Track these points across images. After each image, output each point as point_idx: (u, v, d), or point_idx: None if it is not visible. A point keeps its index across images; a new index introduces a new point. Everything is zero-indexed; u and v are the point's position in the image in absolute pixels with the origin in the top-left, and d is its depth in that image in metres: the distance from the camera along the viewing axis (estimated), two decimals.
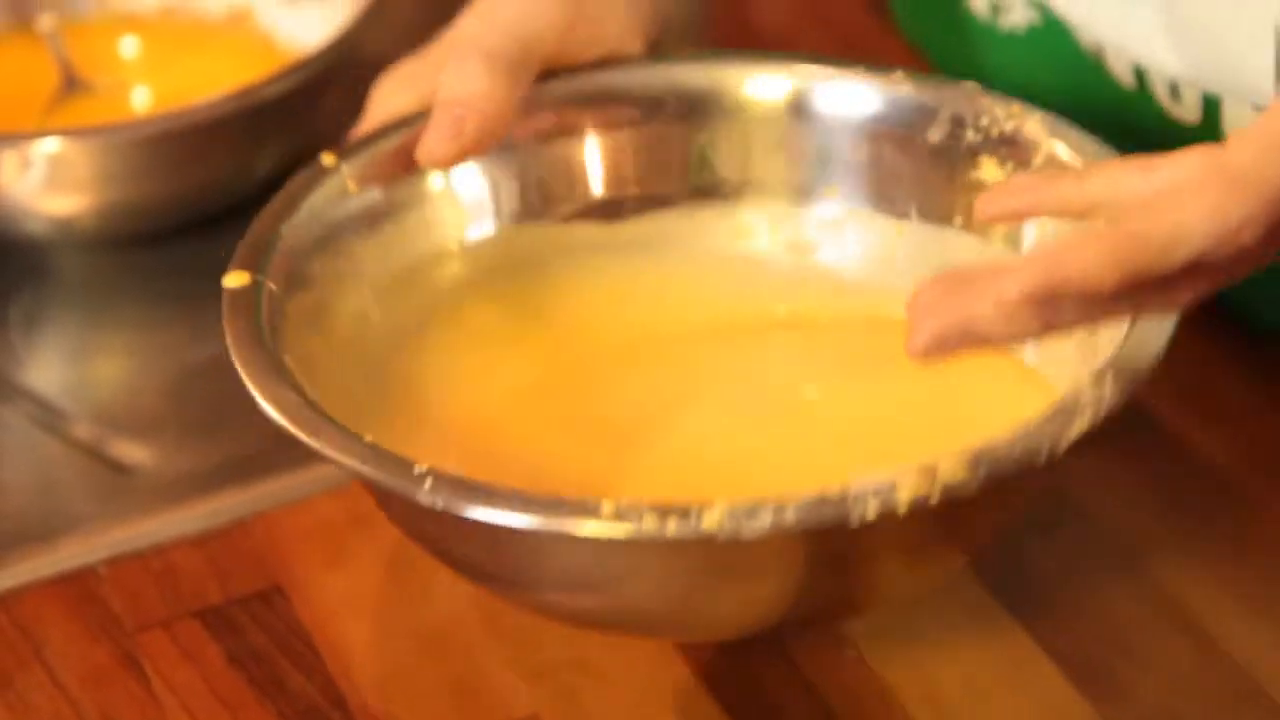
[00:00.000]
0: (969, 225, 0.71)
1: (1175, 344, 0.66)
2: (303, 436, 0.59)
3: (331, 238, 0.69)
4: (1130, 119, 0.79)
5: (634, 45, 0.74)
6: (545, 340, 0.72)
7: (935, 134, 0.72)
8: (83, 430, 0.80)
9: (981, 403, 0.68)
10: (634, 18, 0.73)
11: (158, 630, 0.69)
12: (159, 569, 0.71)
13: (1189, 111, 0.77)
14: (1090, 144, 0.70)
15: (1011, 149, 0.71)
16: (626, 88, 0.74)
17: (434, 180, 0.72)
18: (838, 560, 0.59)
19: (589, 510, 0.54)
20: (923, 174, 0.73)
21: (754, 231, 0.75)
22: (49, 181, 0.83)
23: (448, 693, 0.66)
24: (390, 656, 0.68)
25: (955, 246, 0.72)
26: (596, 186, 0.75)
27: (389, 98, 0.72)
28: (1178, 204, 0.55)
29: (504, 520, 0.55)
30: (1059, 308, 0.54)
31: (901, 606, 0.67)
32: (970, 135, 0.71)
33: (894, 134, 0.73)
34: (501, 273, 0.74)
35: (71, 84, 0.93)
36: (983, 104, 0.71)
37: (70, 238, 0.87)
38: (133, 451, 0.79)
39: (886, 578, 0.62)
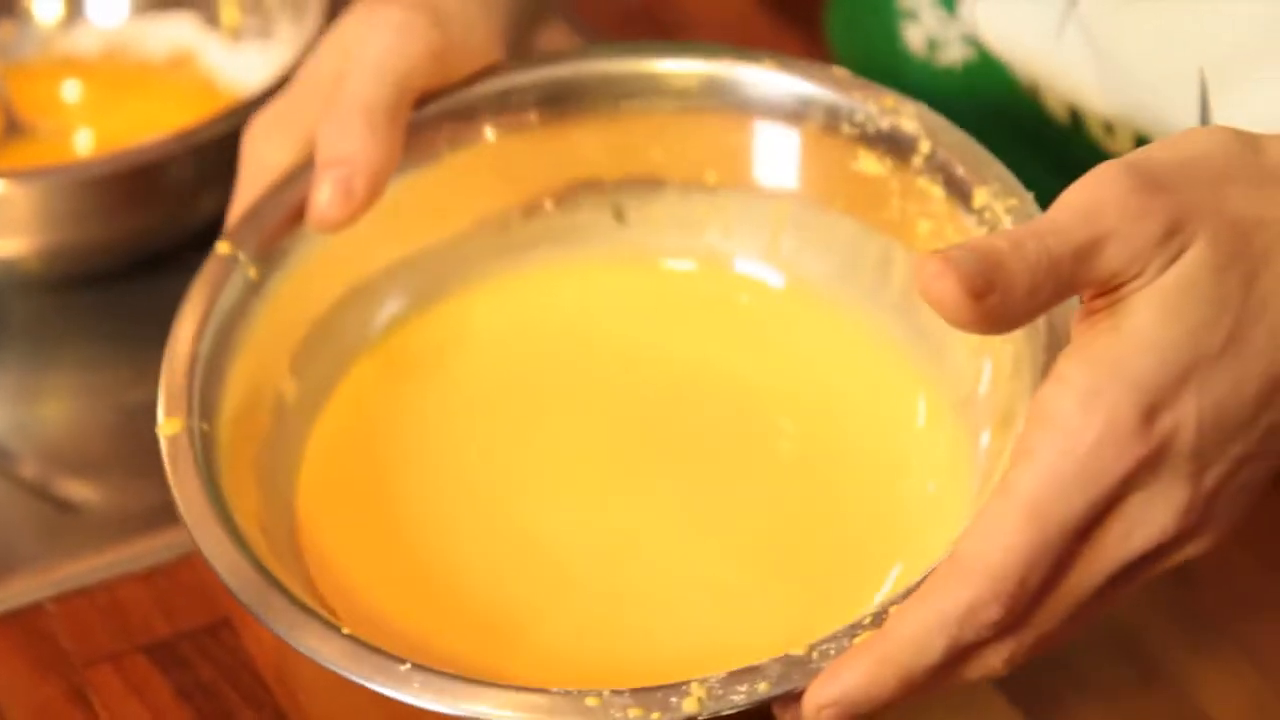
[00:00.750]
0: (847, 210, 0.72)
1: None
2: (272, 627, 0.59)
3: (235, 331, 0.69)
4: (1067, 152, 0.80)
5: (498, 54, 0.73)
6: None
7: (813, 123, 0.72)
8: (28, 469, 0.80)
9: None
10: (493, 28, 0.73)
11: (106, 665, 0.69)
12: (106, 604, 0.71)
13: (1124, 146, 0.77)
14: (952, 135, 0.70)
15: (889, 141, 0.70)
16: (511, 93, 0.74)
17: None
18: None
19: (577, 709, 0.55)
20: (804, 160, 0.73)
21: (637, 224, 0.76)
22: None
23: None
24: (339, 690, 0.67)
25: (830, 233, 0.73)
26: (506, 199, 0.75)
27: (262, 149, 0.71)
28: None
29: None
30: None
31: None
32: (846, 129, 0.71)
33: (777, 119, 0.73)
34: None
35: (13, 127, 0.93)
36: (862, 94, 0.71)
37: (13, 279, 0.87)
38: (78, 490, 0.79)
39: None
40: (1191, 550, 0.57)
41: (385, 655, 0.57)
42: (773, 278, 0.74)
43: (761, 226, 0.74)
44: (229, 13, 0.97)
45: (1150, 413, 0.53)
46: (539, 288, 0.75)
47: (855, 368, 0.72)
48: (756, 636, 0.62)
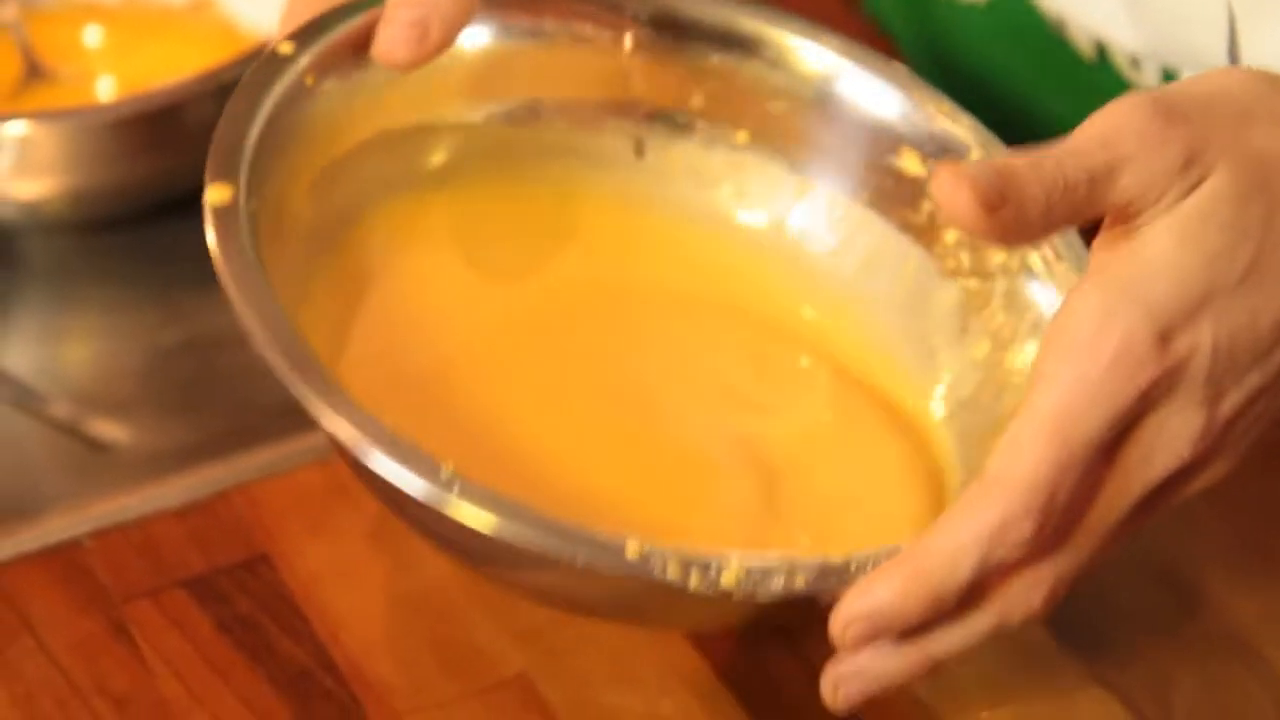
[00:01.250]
0: (871, 203, 0.72)
1: None
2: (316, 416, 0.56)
3: (286, 135, 0.66)
4: (1093, 88, 0.79)
5: None
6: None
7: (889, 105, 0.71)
8: (59, 409, 0.80)
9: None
10: None
11: (145, 600, 0.69)
12: (142, 541, 0.71)
13: (1150, 81, 0.78)
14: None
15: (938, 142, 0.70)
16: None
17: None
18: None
19: (615, 550, 0.54)
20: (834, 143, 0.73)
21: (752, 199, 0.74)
22: (16, 166, 0.83)
23: (436, 654, 0.67)
24: (378, 620, 0.68)
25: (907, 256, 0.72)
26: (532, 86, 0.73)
27: None
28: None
29: (532, 546, 0.54)
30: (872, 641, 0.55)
31: None
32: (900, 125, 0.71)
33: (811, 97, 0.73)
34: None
35: (35, 72, 0.93)
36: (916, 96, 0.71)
37: (37, 222, 0.87)
38: (109, 429, 0.79)
39: None
40: (1209, 477, 0.58)
41: (427, 457, 0.55)
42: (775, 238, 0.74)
43: (782, 192, 0.74)
44: None
45: (1165, 335, 0.53)
46: (549, 196, 0.74)
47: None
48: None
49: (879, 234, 0.72)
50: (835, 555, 0.56)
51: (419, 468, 0.54)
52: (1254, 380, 0.56)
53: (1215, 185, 0.54)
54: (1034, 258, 0.66)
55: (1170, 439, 0.55)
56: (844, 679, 0.57)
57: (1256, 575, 0.69)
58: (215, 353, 0.82)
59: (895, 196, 0.71)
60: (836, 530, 0.64)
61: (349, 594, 0.69)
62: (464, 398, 0.66)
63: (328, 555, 0.71)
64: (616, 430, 0.67)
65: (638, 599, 0.59)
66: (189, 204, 0.86)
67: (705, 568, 0.54)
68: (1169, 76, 0.76)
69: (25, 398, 0.80)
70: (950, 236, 0.69)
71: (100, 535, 0.72)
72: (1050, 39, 0.81)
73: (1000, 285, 0.68)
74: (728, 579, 0.55)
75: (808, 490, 0.66)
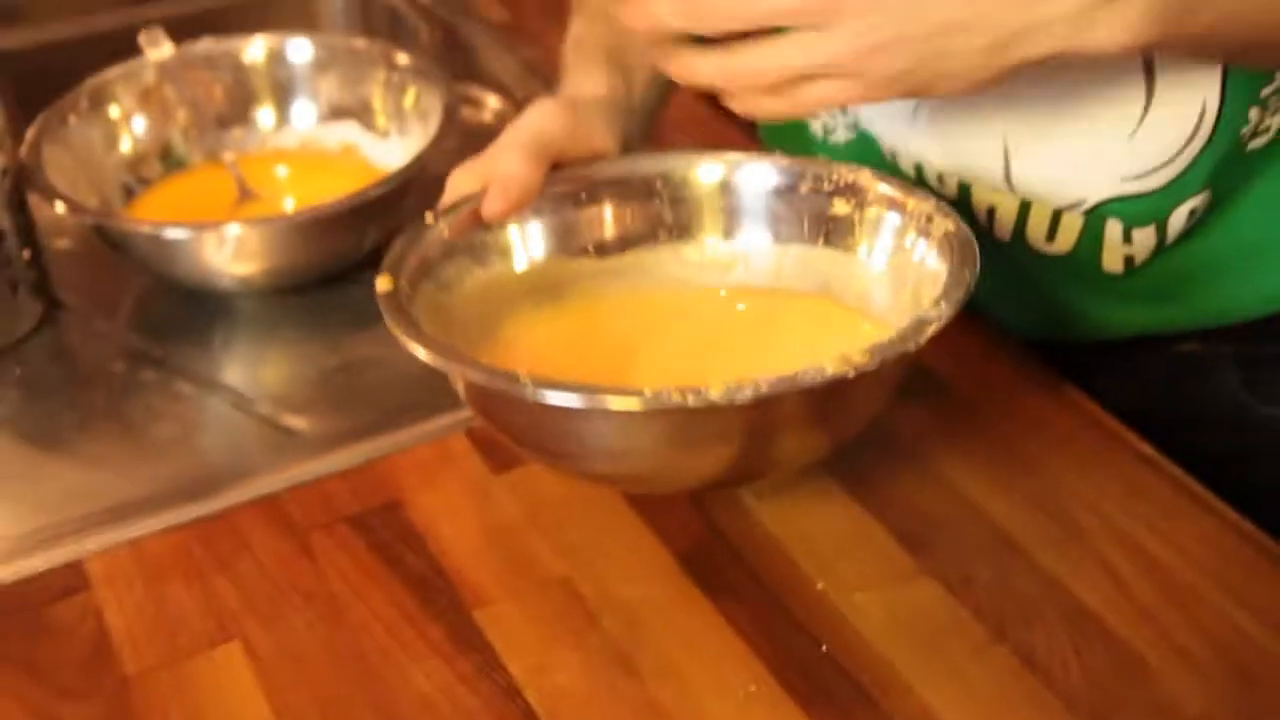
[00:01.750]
0: (826, 244, 0.70)
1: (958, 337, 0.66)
2: (442, 363, 0.59)
3: (435, 265, 0.68)
4: None
5: (610, 148, 0.72)
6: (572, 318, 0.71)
7: (804, 187, 0.71)
8: (263, 409, 0.78)
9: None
10: (610, 132, 0.72)
11: (321, 531, 0.67)
12: (318, 493, 0.70)
13: (949, 192, 0.76)
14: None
15: (853, 191, 0.69)
16: (608, 175, 0.72)
17: (493, 234, 0.70)
18: (773, 428, 0.59)
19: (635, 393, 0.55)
20: (796, 213, 0.71)
21: (695, 259, 0.73)
22: (235, 254, 0.82)
23: (508, 564, 0.65)
24: (469, 543, 0.66)
25: (821, 258, 0.71)
26: (594, 233, 0.72)
27: (459, 181, 0.70)
28: None
29: (584, 403, 0.55)
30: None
31: (795, 471, 0.67)
32: (826, 186, 0.70)
33: (778, 189, 0.72)
34: (541, 289, 0.71)
35: (245, 195, 0.92)
36: (830, 167, 0.70)
37: (248, 289, 0.85)
38: (296, 421, 0.77)
39: (796, 445, 0.62)
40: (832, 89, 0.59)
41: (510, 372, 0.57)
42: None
43: (770, 260, 0.72)
44: (380, 120, 0.95)
45: None
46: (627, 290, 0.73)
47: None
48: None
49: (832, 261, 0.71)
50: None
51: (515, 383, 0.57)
52: (888, 38, 0.57)
53: None
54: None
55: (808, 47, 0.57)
56: None
57: (1033, 507, 0.68)
58: (361, 371, 0.80)
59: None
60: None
61: (450, 527, 0.67)
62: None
63: (437, 503, 0.69)
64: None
65: (661, 435, 0.58)
66: (343, 277, 0.85)
67: (698, 391, 0.54)
68: (965, 187, 0.75)
69: (240, 401, 0.79)
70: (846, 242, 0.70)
71: (292, 489, 0.70)
72: (888, 166, 0.79)
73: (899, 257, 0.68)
74: (714, 394, 0.54)
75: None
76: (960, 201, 0.75)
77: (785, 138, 0.87)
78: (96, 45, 1.03)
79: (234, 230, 0.81)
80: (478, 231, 0.69)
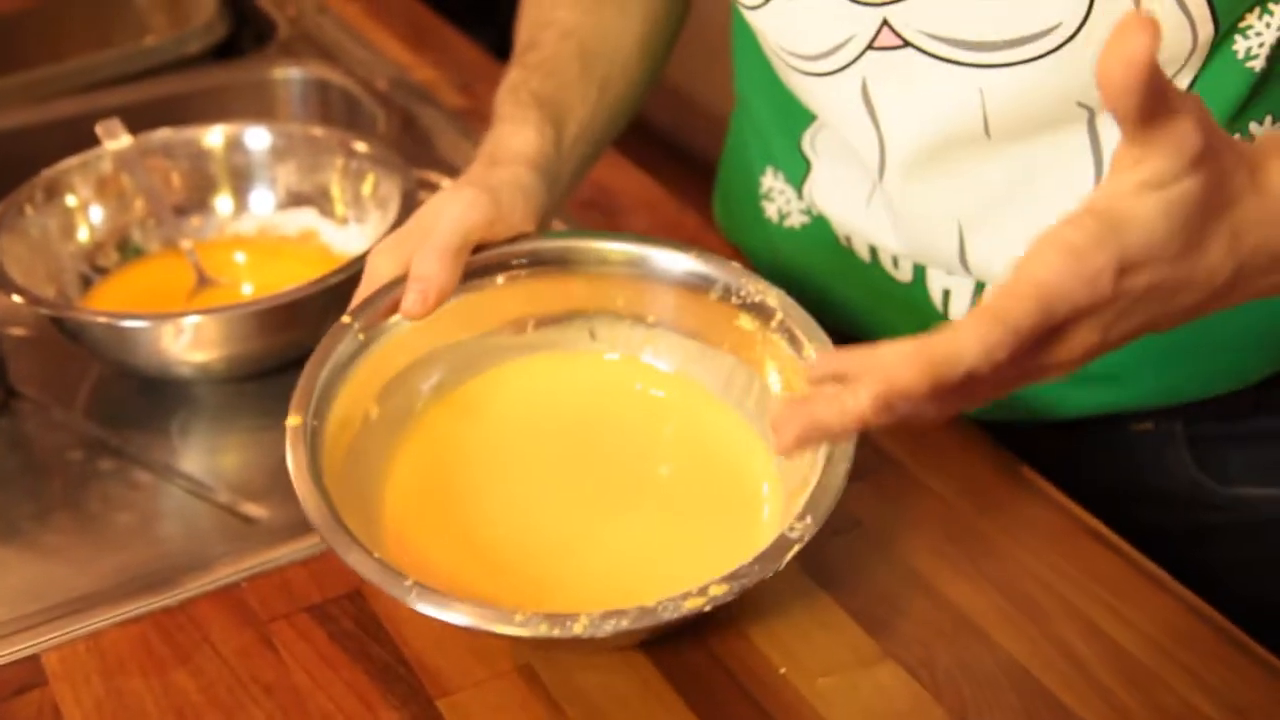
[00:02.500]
0: (730, 350, 0.71)
1: None
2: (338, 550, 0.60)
3: (346, 370, 0.68)
4: (867, 280, 0.80)
5: (529, 227, 0.72)
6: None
7: (713, 294, 0.71)
8: (222, 497, 0.78)
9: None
10: (530, 210, 0.72)
11: (282, 621, 0.67)
12: (279, 582, 0.70)
13: (904, 275, 0.78)
14: (797, 312, 0.69)
15: (758, 309, 0.70)
16: (523, 255, 0.73)
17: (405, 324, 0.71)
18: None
19: (505, 619, 0.57)
20: (704, 315, 0.72)
21: (601, 338, 0.75)
22: (192, 342, 0.82)
23: (470, 653, 0.65)
24: (431, 632, 0.66)
25: (719, 361, 0.72)
26: (507, 312, 0.74)
27: (380, 264, 0.70)
28: (953, 329, 0.49)
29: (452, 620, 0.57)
30: (891, 409, 0.49)
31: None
32: (734, 299, 0.71)
33: (690, 289, 0.72)
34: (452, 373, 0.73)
35: (203, 281, 0.92)
36: (745, 279, 0.71)
37: (205, 376, 0.85)
38: (255, 509, 0.77)
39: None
40: (1060, 375, 0.53)
41: (397, 573, 0.58)
42: (672, 382, 0.74)
43: (678, 352, 0.74)
44: (339, 207, 0.96)
45: (1123, 272, 0.49)
46: (540, 371, 0.75)
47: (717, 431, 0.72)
48: (676, 575, 0.61)
49: (734, 367, 0.72)
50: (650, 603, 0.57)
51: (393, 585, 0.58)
52: (1134, 325, 0.52)
53: (1194, 186, 0.50)
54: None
55: (1076, 343, 0.51)
56: (808, 434, 0.51)
57: (991, 588, 0.68)
58: None
59: (740, 343, 0.71)
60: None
61: (412, 615, 0.66)
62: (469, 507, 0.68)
63: None
64: (566, 521, 0.68)
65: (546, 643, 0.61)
66: (302, 363, 0.85)
67: (563, 622, 0.56)
68: (918, 269, 0.76)
69: (199, 488, 0.79)
70: (770, 365, 0.70)
71: (252, 578, 0.70)
72: (841, 249, 0.81)
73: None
74: (577, 628, 0.56)
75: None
76: (915, 284, 0.77)
77: (741, 223, 0.89)
78: (54, 133, 1.04)
79: (192, 319, 0.81)
80: (385, 328, 0.70)
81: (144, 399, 0.85)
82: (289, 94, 1.18)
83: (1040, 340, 0.50)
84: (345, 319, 0.69)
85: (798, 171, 0.81)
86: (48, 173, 0.91)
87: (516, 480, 0.70)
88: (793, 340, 0.68)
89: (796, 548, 0.59)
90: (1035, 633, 0.66)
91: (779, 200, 0.83)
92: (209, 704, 0.63)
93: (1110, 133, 0.67)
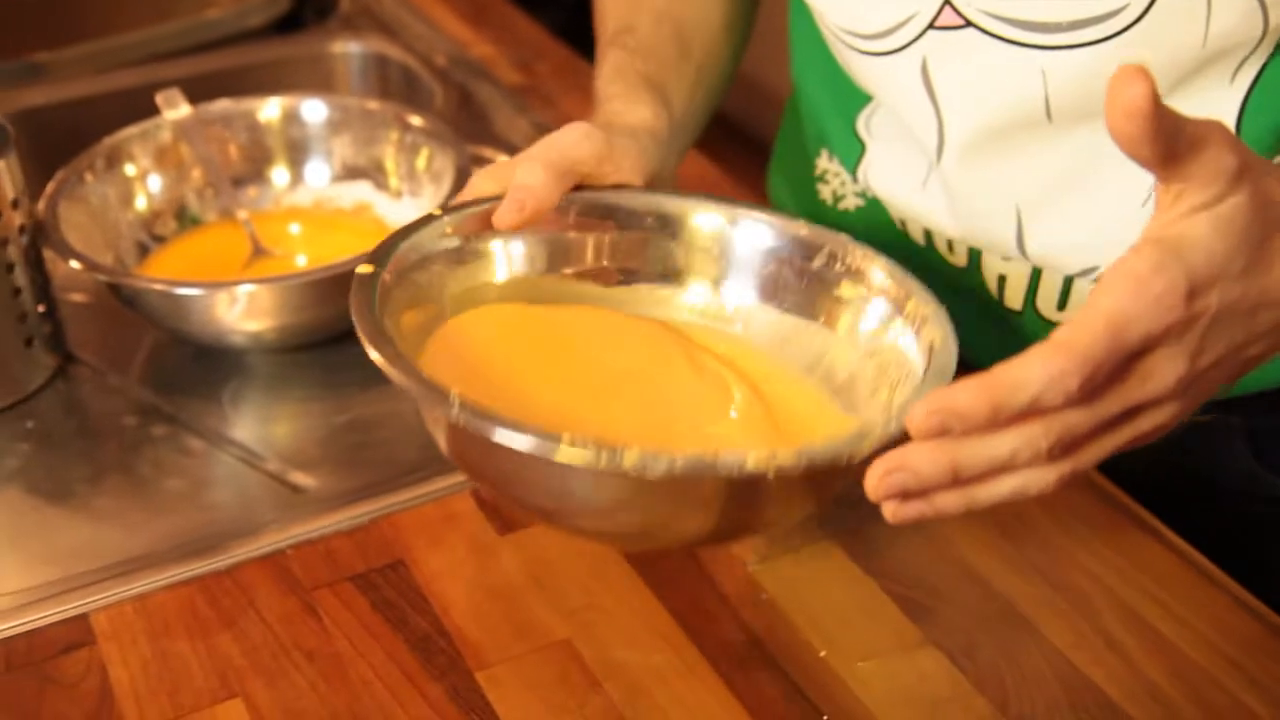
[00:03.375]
0: (826, 322, 0.68)
1: None
2: (392, 374, 0.57)
3: (429, 259, 0.67)
4: (922, 264, 0.79)
5: (637, 180, 0.71)
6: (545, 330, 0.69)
7: (817, 262, 0.69)
8: (272, 465, 0.78)
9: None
10: (641, 163, 0.71)
11: (325, 589, 0.68)
12: (324, 551, 0.70)
13: (960, 259, 0.77)
14: (898, 271, 0.66)
15: (860, 278, 0.67)
16: (622, 205, 0.71)
17: (495, 241, 0.69)
18: (724, 500, 0.56)
19: (555, 439, 0.52)
20: (803, 285, 0.69)
21: (689, 305, 0.72)
22: (247, 311, 0.82)
23: (510, 627, 0.66)
24: (472, 604, 0.67)
25: (812, 334, 0.69)
26: (594, 260, 0.72)
27: (479, 183, 0.69)
28: (1020, 356, 0.49)
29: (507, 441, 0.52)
30: (945, 429, 0.49)
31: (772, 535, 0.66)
32: (838, 266, 0.68)
33: (789, 258, 0.70)
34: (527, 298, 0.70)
35: (258, 252, 0.93)
36: (849, 246, 0.68)
37: (260, 345, 0.86)
38: (303, 478, 0.77)
39: (757, 517, 0.60)
40: (1169, 413, 0.52)
41: (441, 388, 0.55)
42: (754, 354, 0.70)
43: (769, 325, 0.70)
44: (393, 180, 0.96)
45: (1192, 293, 0.49)
46: (614, 325, 0.70)
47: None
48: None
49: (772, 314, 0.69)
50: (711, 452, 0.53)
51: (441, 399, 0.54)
52: (1221, 349, 0.51)
53: (1241, 200, 0.50)
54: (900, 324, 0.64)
55: (1164, 372, 0.50)
56: (892, 469, 0.50)
57: (1037, 579, 0.68)
58: (370, 430, 0.81)
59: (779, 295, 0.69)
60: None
61: (454, 587, 0.68)
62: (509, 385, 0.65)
63: (441, 561, 0.69)
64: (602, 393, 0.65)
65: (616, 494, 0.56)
66: (354, 335, 0.86)
67: (613, 452, 0.52)
68: (973, 253, 0.75)
69: (250, 457, 0.79)
70: (844, 325, 0.67)
71: (298, 547, 0.71)
72: (896, 232, 0.80)
73: (888, 354, 0.65)
74: (628, 460, 0.51)
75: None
76: (970, 269, 0.76)
77: (797, 206, 0.88)
78: (114, 104, 1.05)
79: (246, 288, 0.82)
80: (476, 237, 0.69)
81: (197, 367, 0.86)
82: (348, 68, 1.18)
83: (1118, 369, 0.50)
84: (435, 210, 0.68)
85: (852, 154, 0.80)
86: (108, 141, 0.93)
87: (567, 403, 0.65)
88: (892, 299, 0.65)
89: (879, 434, 0.54)
90: (1082, 625, 0.65)
91: (834, 183, 0.83)
92: (252, 668, 0.64)
93: None
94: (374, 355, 0.58)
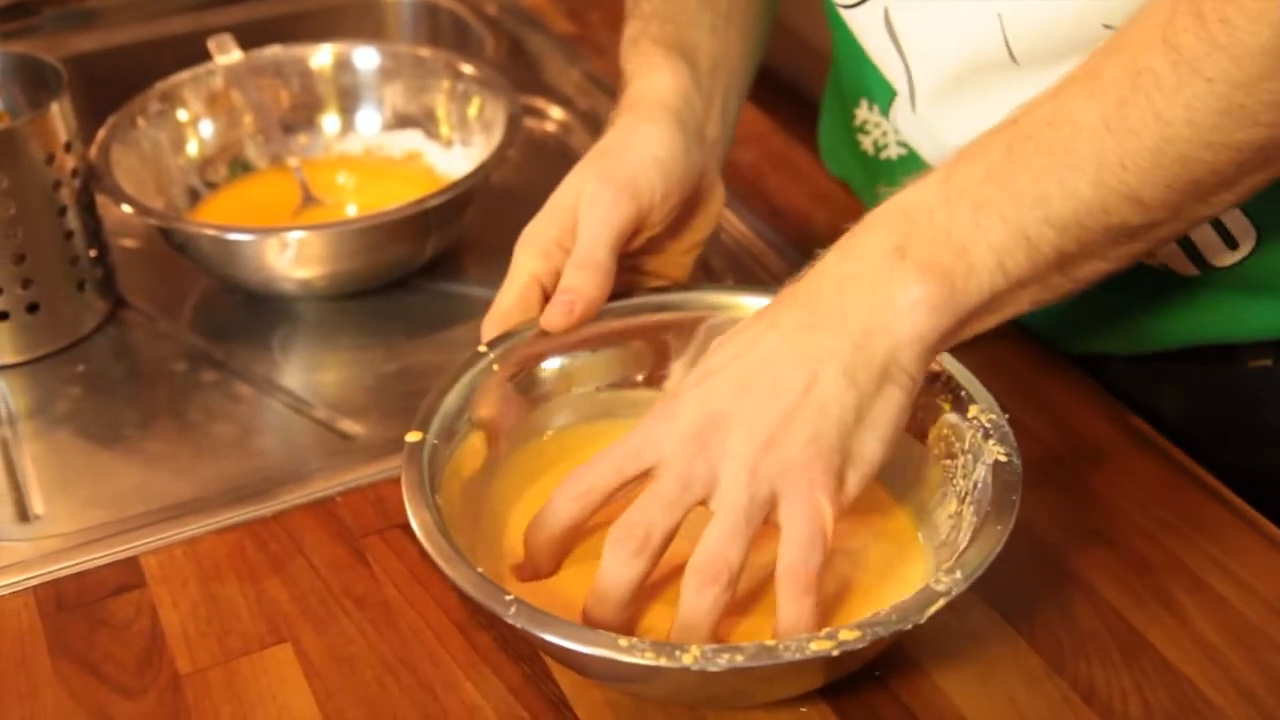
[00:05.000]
0: None
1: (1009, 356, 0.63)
2: (445, 569, 0.56)
3: (479, 399, 0.65)
4: None
5: (678, 199, 0.68)
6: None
7: None
8: (320, 413, 0.78)
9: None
10: (674, 185, 0.67)
11: (374, 536, 0.68)
12: (373, 498, 0.70)
13: None
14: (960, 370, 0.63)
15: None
16: (673, 301, 0.69)
17: (546, 365, 0.68)
18: (789, 677, 0.56)
19: (610, 642, 0.53)
20: None
21: None
22: (296, 258, 0.82)
23: None
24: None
25: None
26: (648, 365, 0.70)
27: (524, 259, 0.67)
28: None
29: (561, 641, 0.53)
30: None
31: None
32: None
33: None
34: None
35: (308, 200, 0.92)
36: None
37: (309, 292, 0.86)
38: (351, 426, 0.77)
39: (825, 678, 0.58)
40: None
41: (497, 587, 0.55)
42: None
43: None
44: (444, 129, 0.96)
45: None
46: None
47: None
48: None
49: None
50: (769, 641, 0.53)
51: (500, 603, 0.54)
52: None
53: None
54: (974, 439, 0.61)
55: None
56: None
57: (1095, 539, 0.67)
58: (418, 378, 0.80)
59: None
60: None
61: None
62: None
63: None
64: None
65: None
66: (404, 283, 0.86)
67: (670, 651, 0.52)
68: None
69: (298, 404, 0.79)
70: (934, 433, 0.63)
71: (346, 494, 0.70)
72: None
73: (960, 461, 0.62)
74: (687, 658, 0.52)
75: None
76: None
77: (842, 157, 0.87)
78: (166, 50, 1.04)
79: (296, 235, 0.82)
80: (526, 367, 0.67)
81: (247, 314, 0.86)
82: (399, 16, 1.17)
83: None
84: (481, 348, 0.66)
85: (885, 96, 0.78)
86: (160, 85, 0.92)
87: None
88: (956, 400, 0.63)
89: (942, 601, 0.54)
90: (1139, 585, 0.64)
91: (874, 133, 0.82)
92: (300, 613, 0.64)
93: None
94: (430, 550, 0.57)
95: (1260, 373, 0.76)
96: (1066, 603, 0.63)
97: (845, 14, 0.73)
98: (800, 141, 0.96)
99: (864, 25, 0.72)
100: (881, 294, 0.56)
